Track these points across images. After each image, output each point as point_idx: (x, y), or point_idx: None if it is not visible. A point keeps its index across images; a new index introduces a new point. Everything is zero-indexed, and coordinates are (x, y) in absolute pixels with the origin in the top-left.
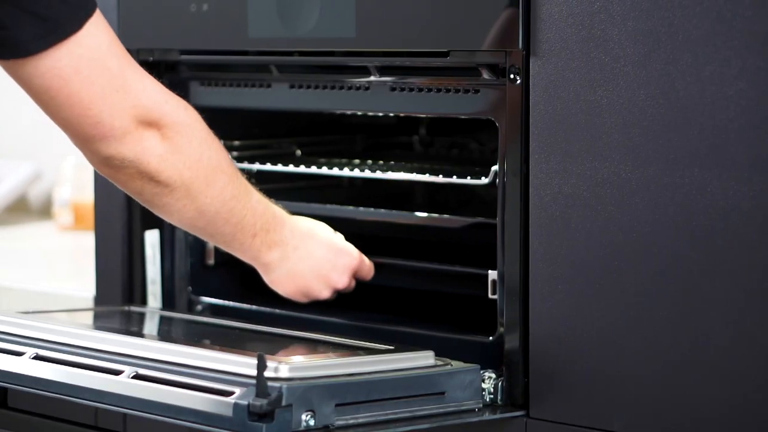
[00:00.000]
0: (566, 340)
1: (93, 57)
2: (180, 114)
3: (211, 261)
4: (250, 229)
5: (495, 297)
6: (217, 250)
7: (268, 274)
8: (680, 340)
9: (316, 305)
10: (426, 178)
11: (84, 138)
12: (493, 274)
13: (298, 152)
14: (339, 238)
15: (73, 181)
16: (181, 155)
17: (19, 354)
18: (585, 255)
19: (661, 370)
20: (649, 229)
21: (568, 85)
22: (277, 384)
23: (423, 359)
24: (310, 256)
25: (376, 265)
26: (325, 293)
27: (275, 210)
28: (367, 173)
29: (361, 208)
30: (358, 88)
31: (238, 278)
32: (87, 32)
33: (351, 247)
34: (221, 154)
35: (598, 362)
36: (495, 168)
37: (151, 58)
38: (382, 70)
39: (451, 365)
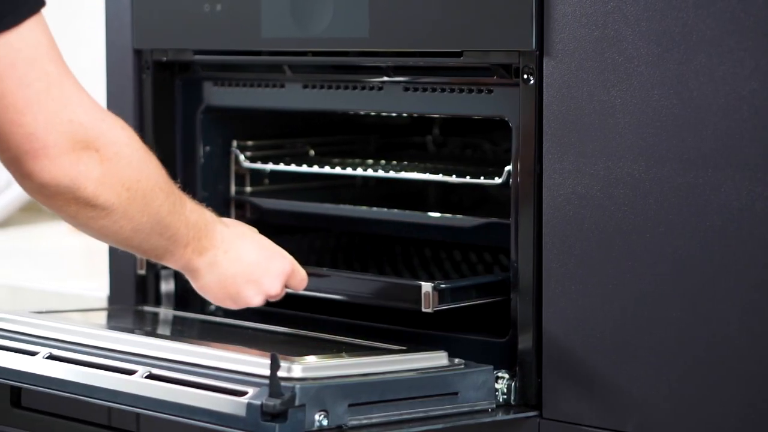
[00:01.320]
0: (579, 340)
1: (32, 56)
2: (117, 133)
3: None
4: (183, 239)
5: (428, 310)
6: None
7: (198, 280)
8: (694, 340)
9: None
10: (439, 178)
11: (15, 154)
12: (426, 287)
13: (312, 152)
14: (272, 243)
15: None
16: (120, 177)
17: (32, 354)
18: (598, 255)
19: (674, 370)
20: (663, 229)
21: (581, 85)
22: (290, 384)
23: (436, 359)
24: (241, 260)
25: (311, 275)
26: (256, 300)
27: (207, 216)
28: (381, 173)
29: (375, 209)
30: (371, 88)
31: None
32: (28, 28)
33: (284, 253)
34: (159, 171)
35: (611, 362)
36: (508, 168)
37: (165, 59)
38: (396, 70)
39: (465, 365)
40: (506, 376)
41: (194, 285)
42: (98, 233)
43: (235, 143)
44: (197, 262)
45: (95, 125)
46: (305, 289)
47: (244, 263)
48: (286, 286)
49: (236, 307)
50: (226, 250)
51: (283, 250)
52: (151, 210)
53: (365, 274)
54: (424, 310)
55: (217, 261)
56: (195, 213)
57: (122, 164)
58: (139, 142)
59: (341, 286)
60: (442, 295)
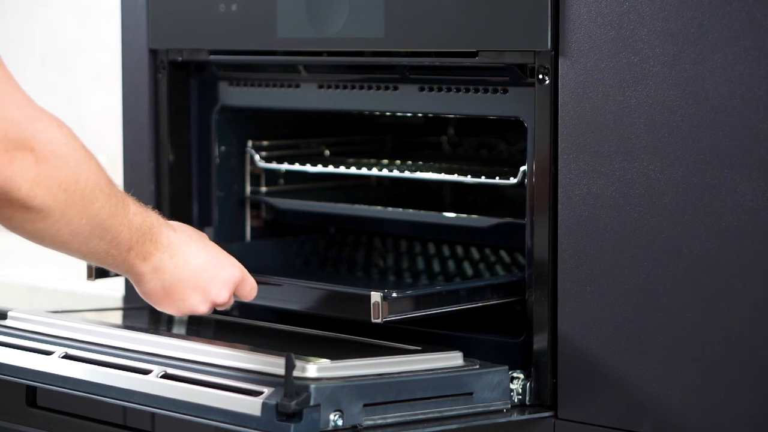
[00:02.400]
0: (595, 341)
1: None
2: (54, 132)
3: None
4: (126, 243)
5: (378, 321)
6: None
7: (142, 285)
8: (709, 340)
9: None
10: (454, 178)
11: None
12: (376, 296)
13: (327, 152)
14: (221, 249)
15: None
16: (56, 178)
17: (48, 353)
18: (614, 255)
19: (690, 370)
20: (678, 229)
21: (597, 86)
22: (305, 384)
23: (451, 360)
24: (187, 265)
25: (260, 284)
26: (202, 308)
27: (153, 219)
28: (396, 173)
29: (390, 209)
30: (386, 89)
31: None
32: None
33: (234, 261)
34: (99, 171)
35: (626, 362)
36: (524, 168)
37: (180, 58)
38: (411, 70)
39: (480, 366)
40: (521, 376)
41: (138, 290)
42: (35, 237)
43: (250, 143)
44: (141, 266)
45: (30, 124)
46: (257, 300)
47: (190, 269)
48: (236, 295)
49: (181, 315)
50: (172, 254)
51: (233, 258)
52: (91, 213)
53: (316, 283)
54: (373, 320)
55: (162, 266)
56: (139, 216)
57: (59, 164)
58: (77, 141)
59: (291, 296)
60: (393, 305)
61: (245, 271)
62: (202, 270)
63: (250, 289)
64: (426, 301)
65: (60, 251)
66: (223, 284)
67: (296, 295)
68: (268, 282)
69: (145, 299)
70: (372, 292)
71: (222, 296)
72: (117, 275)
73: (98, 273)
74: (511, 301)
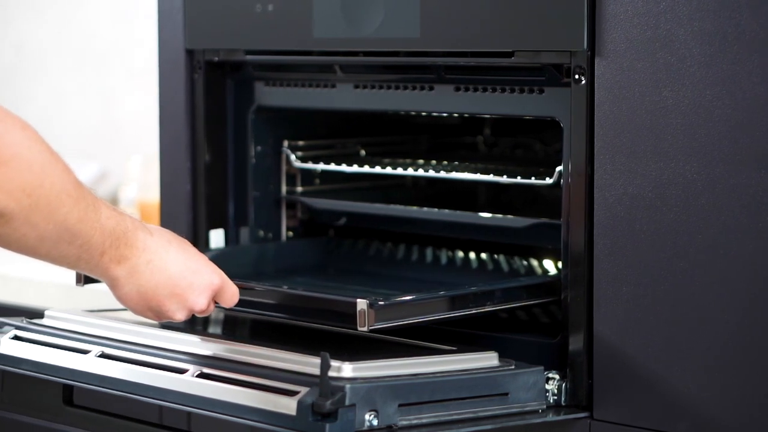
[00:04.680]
0: (631, 341)
1: None
2: (17, 134)
3: None
4: (98, 248)
5: (364, 329)
6: None
7: (117, 289)
8: (746, 341)
9: None
10: (490, 178)
11: None
12: (362, 304)
13: (362, 152)
14: (200, 255)
15: (139, 181)
16: (20, 182)
17: (85, 352)
18: (650, 256)
19: (726, 371)
20: (715, 230)
21: (633, 86)
22: (340, 384)
23: (487, 360)
24: (164, 271)
25: (242, 290)
26: (179, 315)
27: (128, 223)
28: (431, 173)
29: (425, 209)
30: (422, 89)
31: None
32: None
33: (213, 268)
34: (65, 175)
35: (662, 363)
36: (559, 168)
37: (217, 59)
38: (447, 70)
39: (515, 366)
40: (557, 377)
41: (114, 295)
42: (0, 242)
43: (286, 143)
44: (115, 270)
45: None
46: (239, 305)
47: (167, 275)
48: (215, 302)
49: (158, 320)
50: (149, 259)
51: (213, 264)
52: (58, 217)
53: (300, 290)
54: (359, 329)
55: (138, 270)
56: (112, 219)
57: (22, 168)
58: (42, 144)
59: (273, 303)
60: (380, 312)
61: (225, 277)
62: (180, 276)
63: (230, 295)
64: (415, 308)
65: (28, 256)
66: (201, 291)
67: (278, 302)
68: (248, 287)
69: (121, 303)
70: (358, 300)
71: (200, 304)
72: None
73: (87, 278)
74: (516, 307)
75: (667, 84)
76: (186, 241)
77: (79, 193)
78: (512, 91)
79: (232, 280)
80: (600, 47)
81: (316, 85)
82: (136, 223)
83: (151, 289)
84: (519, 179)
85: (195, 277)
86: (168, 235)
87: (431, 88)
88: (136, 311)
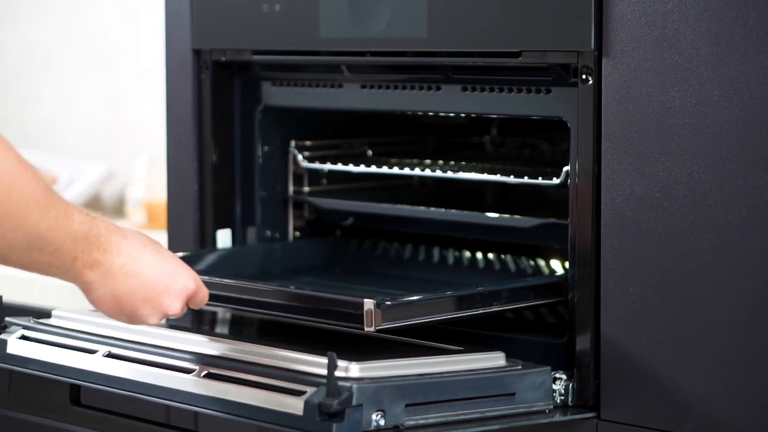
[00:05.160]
0: (638, 341)
1: None
2: None
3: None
4: (70, 254)
5: (371, 330)
6: None
7: (91, 293)
8: (753, 341)
9: None
10: (497, 178)
11: None
12: (369, 304)
13: (369, 152)
14: (175, 258)
15: (146, 181)
16: None
17: (92, 352)
18: (657, 256)
19: (733, 371)
20: (722, 230)
21: (640, 86)
22: (347, 384)
23: (493, 360)
24: (139, 275)
25: (247, 289)
26: (153, 319)
27: (101, 227)
28: (438, 173)
29: (432, 209)
30: (429, 89)
31: None
32: None
33: (189, 272)
34: (35, 184)
35: (669, 365)
36: (566, 168)
37: (224, 59)
38: (454, 70)
39: (522, 366)
40: (564, 377)
41: (88, 299)
42: None
43: (293, 143)
44: (88, 275)
45: None
46: (235, 307)
47: (142, 279)
48: (187, 305)
49: (131, 324)
50: (123, 263)
51: (188, 267)
52: (27, 226)
53: (307, 290)
54: (366, 329)
55: (112, 274)
56: (85, 225)
57: None
58: (10, 152)
59: (280, 303)
60: (387, 312)
61: (199, 281)
62: (155, 280)
63: (202, 297)
64: (422, 308)
65: (1, 264)
66: (177, 295)
67: (289, 302)
68: (254, 288)
69: (95, 307)
70: (365, 300)
71: (174, 308)
72: None
73: None
74: (523, 307)
75: (675, 84)
76: (160, 243)
77: (49, 200)
78: (519, 91)
79: (241, 280)
80: (607, 47)
81: (323, 85)
82: (109, 227)
83: (125, 293)
84: (526, 179)
85: (170, 281)
86: (143, 238)
87: (438, 88)
88: (109, 315)
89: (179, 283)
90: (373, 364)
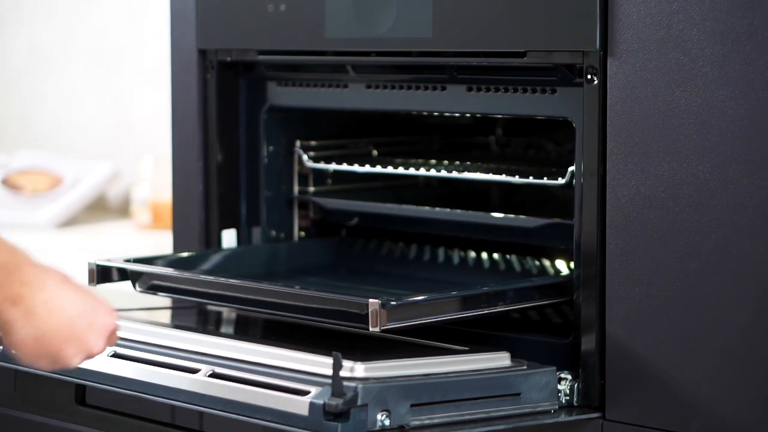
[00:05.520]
0: (643, 342)
1: None
2: None
3: None
4: None
5: (376, 330)
6: None
7: (10, 335)
8: (758, 341)
9: None
10: (502, 178)
11: None
12: (374, 304)
13: (374, 152)
14: (95, 294)
15: (151, 181)
16: None
17: None
18: (662, 256)
19: (739, 372)
20: (727, 230)
21: (645, 86)
22: (352, 384)
23: (499, 360)
24: (63, 311)
25: (249, 289)
26: (76, 360)
27: (22, 260)
28: (444, 173)
29: (437, 209)
30: (434, 89)
31: None
32: None
33: (109, 307)
34: None
35: (675, 365)
36: (572, 168)
37: (229, 59)
38: (459, 71)
39: (527, 366)
40: (569, 377)
41: (5, 341)
42: None
43: (298, 143)
44: (9, 312)
45: None
46: (240, 307)
47: (66, 316)
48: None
49: (53, 368)
50: (45, 300)
51: (106, 302)
52: None
53: (312, 290)
54: (371, 329)
55: (35, 312)
56: (4, 252)
57: None
58: None
59: (285, 303)
60: (392, 312)
61: (116, 316)
62: (80, 317)
63: (115, 336)
64: (427, 308)
65: None
66: (101, 333)
67: (294, 302)
68: (259, 288)
69: (13, 350)
70: (370, 300)
71: (98, 346)
72: (122, 279)
73: (99, 278)
74: (528, 307)
75: (680, 84)
76: (72, 277)
77: None
78: (524, 91)
79: (246, 280)
80: (612, 47)
81: (329, 85)
82: (31, 262)
83: (49, 332)
84: (531, 179)
85: (93, 318)
86: (61, 273)
87: (443, 88)
88: (30, 359)
89: (102, 319)
90: (378, 364)
